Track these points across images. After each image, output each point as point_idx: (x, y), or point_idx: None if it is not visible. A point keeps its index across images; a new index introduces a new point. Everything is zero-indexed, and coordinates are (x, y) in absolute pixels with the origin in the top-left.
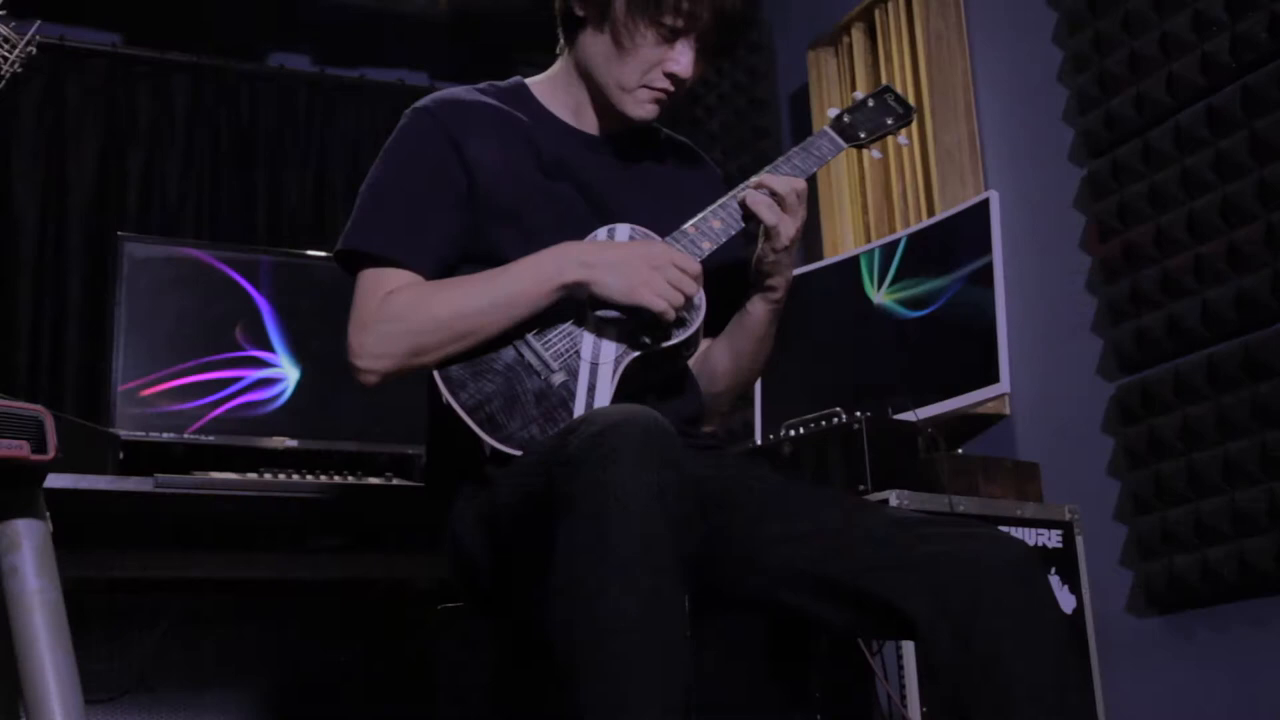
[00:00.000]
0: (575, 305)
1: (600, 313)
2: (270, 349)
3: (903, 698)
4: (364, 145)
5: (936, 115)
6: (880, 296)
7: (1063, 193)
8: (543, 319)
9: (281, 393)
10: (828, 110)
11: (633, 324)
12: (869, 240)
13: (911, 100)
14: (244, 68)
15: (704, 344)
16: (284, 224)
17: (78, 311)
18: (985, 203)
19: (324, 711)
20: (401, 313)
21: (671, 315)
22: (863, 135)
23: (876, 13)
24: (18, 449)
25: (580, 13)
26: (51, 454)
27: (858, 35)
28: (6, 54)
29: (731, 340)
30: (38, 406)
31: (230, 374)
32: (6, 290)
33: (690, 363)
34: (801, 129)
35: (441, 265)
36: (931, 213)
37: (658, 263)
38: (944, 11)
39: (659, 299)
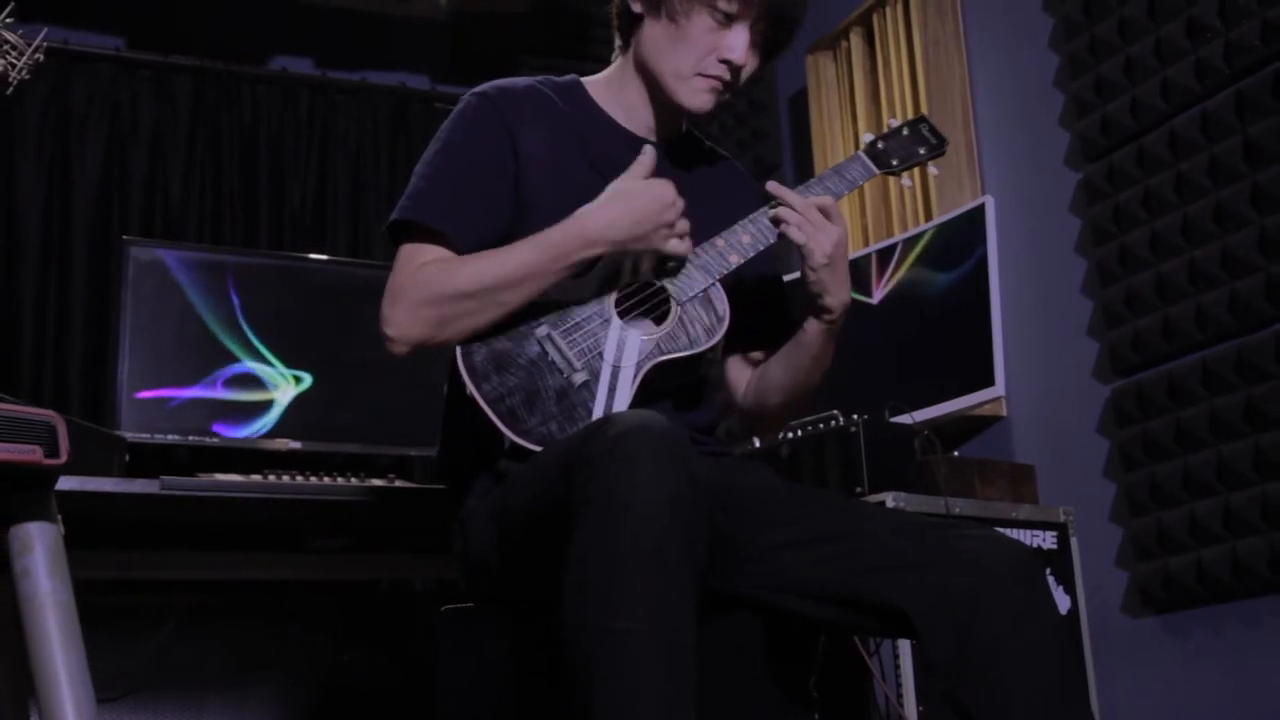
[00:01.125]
0: (601, 308)
1: (625, 321)
2: (274, 351)
3: (899, 697)
4: (365, 147)
5: (934, 119)
6: (885, 289)
7: (1059, 196)
8: (570, 317)
9: (285, 395)
10: (863, 135)
11: (654, 335)
12: (866, 244)
13: (909, 104)
14: (246, 71)
15: (732, 362)
16: (285, 226)
17: (81, 313)
18: (981, 207)
19: (328, 711)
20: (429, 282)
21: (686, 249)
22: (895, 163)
23: (875, 17)
24: (31, 454)
25: (638, 8)
26: (64, 458)
27: (856, 40)
28: (15, 61)
29: (789, 357)
30: (50, 412)
31: (234, 376)
32: (11, 291)
33: (748, 376)
34: (800, 132)
35: (482, 246)
36: (929, 216)
37: (666, 216)
38: (942, 16)
39: (678, 242)
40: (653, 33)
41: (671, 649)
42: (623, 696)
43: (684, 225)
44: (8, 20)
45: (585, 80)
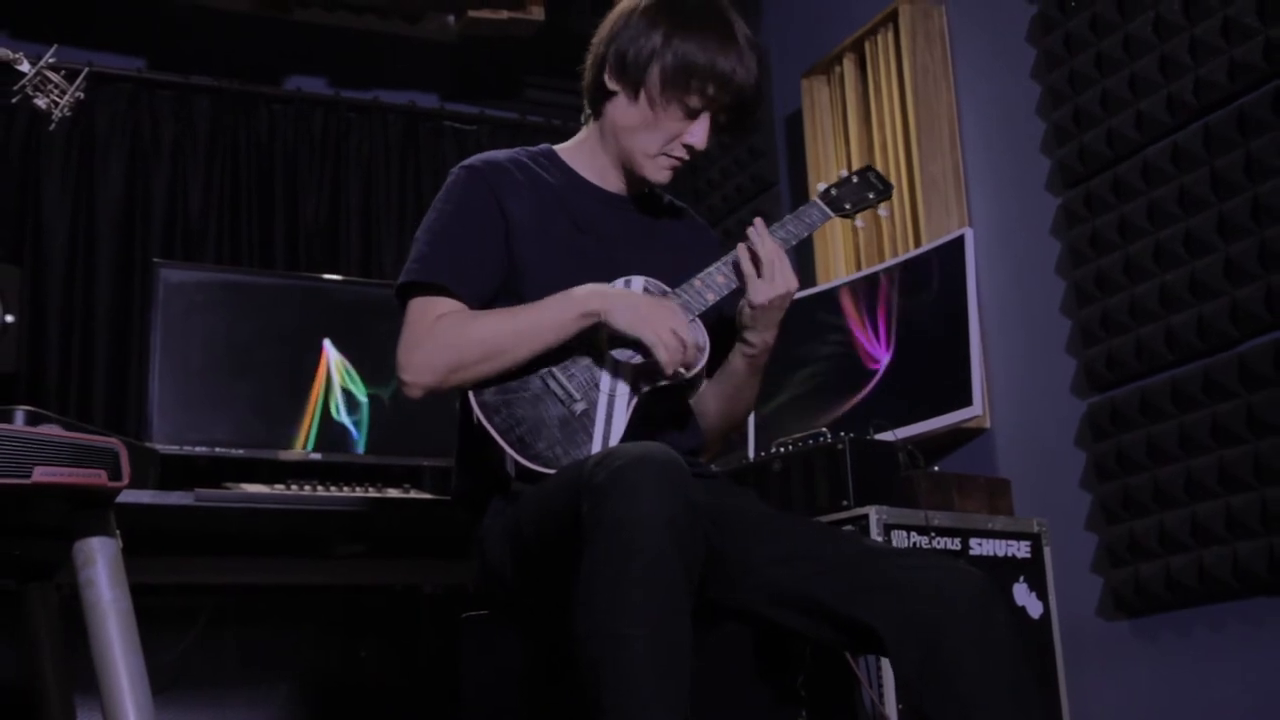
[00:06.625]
0: (595, 344)
1: (615, 352)
2: (294, 367)
3: (881, 697)
4: (377, 164)
5: (922, 145)
6: (875, 312)
7: (1040, 221)
8: (567, 355)
9: (304, 407)
10: (816, 185)
11: (642, 365)
12: (859, 264)
13: (899, 129)
14: (262, 90)
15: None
16: (300, 241)
17: (105, 327)
18: (961, 238)
19: (342, 708)
20: (446, 332)
21: (669, 370)
22: (848, 206)
23: (867, 44)
24: (97, 477)
25: (613, 86)
26: (126, 481)
27: (849, 65)
28: (57, 100)
29: (719, 386)
30: (114, 439)
31: (256, 390)
32: (39, 306)
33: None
34: (796, 151)
35: (482, 298)
36: (918, 238)
37: (669, 322)
38: (930, 45)
39: (662, 352)
40: (626, 112)
41: (669, 653)
42: (626, 695)
43: (675, 349)
44: (50, 60)
45: (557, 148)
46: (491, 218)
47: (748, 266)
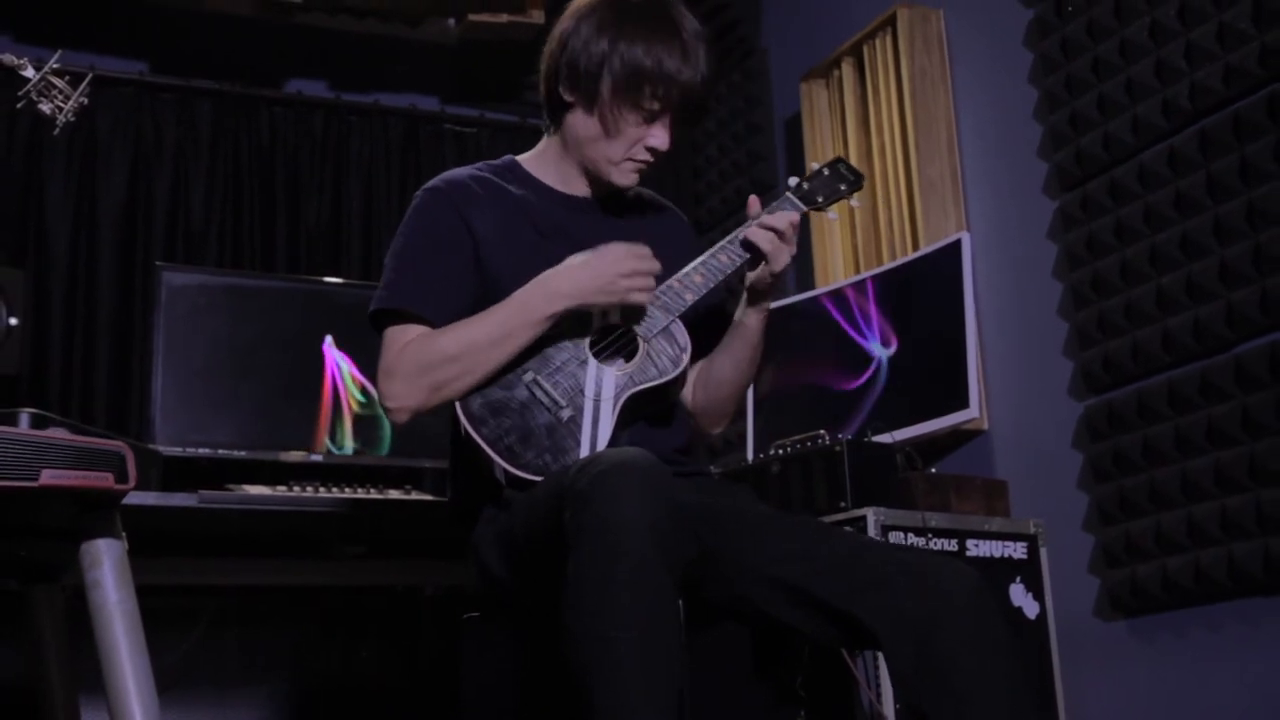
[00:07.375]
0: (577, 351)
1: (597, 358)
2: (296, 369)
3: (879, 697)
4: (378, 167)
5: (920, 149)
6: (873, 315)
7: (1037, 224)
8: (551, 362)
9: (306, 410)
10: (789, 179)
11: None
12: (858, 267)
13: (897, 133)
14: (264, 94)
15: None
16: (302, 243)
17: (107, 329)
18: (958, 243)
19: (344, 706)
20: (417, 355)
21: (653, 298)
22: (820, 200)
23: (865, 48)
24: (104, 480)
25: (569, 99)
26: (132, 484)
27: (848, 69)
28: (62, 105)
29: (730, 350)
30: (120, 443)
31: (258, 392)
32: (42, 308)
33: (696, 375)
34: (795, 155)
35: (455, 317)
36: (916, 242)
37: (623, 268)
38: (928, 49)
39: (640, 294)
40: (585, 125)
41: (659, 654)
42: (617, 697)
43: (644, 281)
44: (54, 66)
45: (520, 158)
46: (456, 236)
47: (768, 243)
